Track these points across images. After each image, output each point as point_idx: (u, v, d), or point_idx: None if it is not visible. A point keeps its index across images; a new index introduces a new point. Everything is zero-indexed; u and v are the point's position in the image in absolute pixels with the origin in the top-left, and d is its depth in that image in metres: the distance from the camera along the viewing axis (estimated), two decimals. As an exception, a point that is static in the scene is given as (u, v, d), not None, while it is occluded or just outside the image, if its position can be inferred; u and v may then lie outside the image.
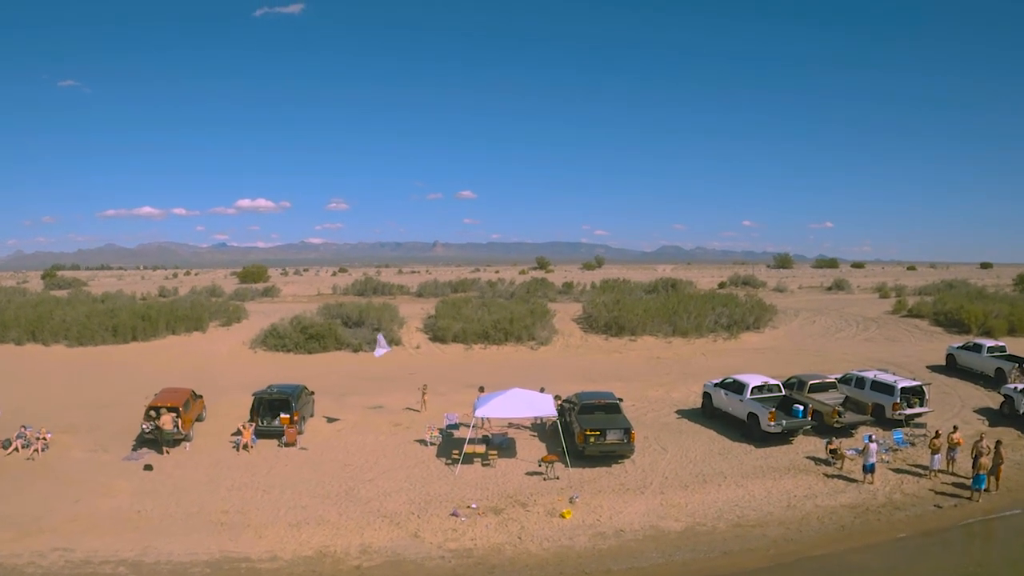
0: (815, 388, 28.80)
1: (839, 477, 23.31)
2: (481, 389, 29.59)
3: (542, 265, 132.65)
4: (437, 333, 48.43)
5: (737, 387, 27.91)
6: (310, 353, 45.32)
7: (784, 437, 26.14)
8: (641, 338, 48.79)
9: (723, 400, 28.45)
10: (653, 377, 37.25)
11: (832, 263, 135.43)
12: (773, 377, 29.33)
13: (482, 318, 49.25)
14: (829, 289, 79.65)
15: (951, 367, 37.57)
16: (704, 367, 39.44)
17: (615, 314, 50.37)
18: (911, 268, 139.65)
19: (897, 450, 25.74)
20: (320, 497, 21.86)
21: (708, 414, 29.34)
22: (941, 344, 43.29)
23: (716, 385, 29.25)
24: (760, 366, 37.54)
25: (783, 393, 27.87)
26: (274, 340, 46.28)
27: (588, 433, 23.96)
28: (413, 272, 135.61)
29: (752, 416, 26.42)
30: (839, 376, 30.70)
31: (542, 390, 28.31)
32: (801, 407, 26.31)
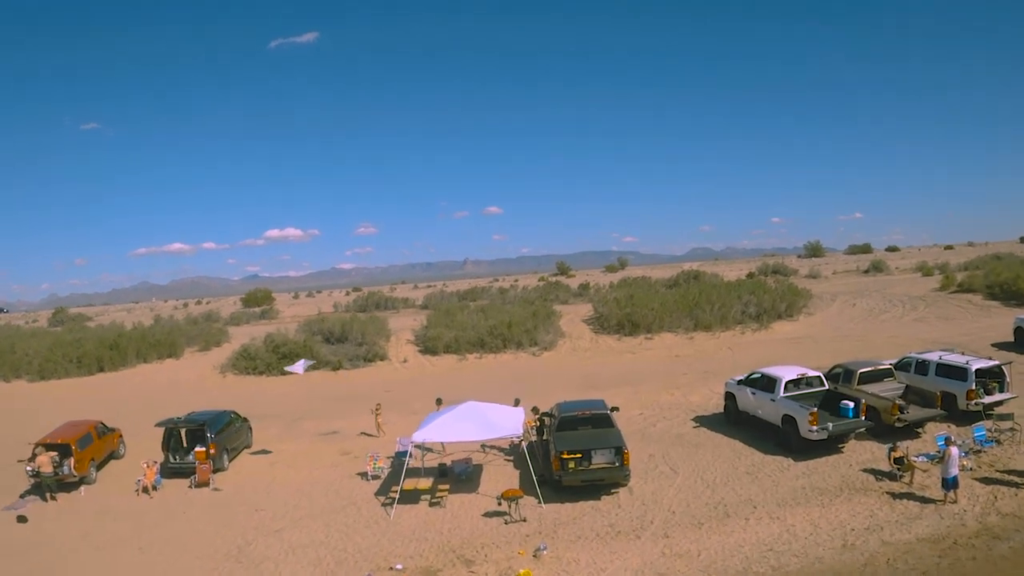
0: (867, 378, 22.21)
1: (910, 496, 16.86)
2: (439, 402, 23.95)
3: (563, 271, 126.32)
4: (428, 344, 42.94)
5: (767, 383, 21.65)
6: (284, 374, 40.12)
7: (831, 444, 19.81)
8: (659, 336, 42.80)
9: (750, 401, 22.21)
10: (669, 378, 31.25)
11: (865, 248, 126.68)
12: (812, 368, 23.24)
13: (477, 324, 43.59)
14: (866, 272, 72.38)
15: (1022, 342, 31.33)
16: (729, 363, 33.38)
17: (628, 311, 44.41)
18: (948, 248, 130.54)
19: (981, 451, 19.31)
20: (204, 558, 16.25)
21: (733, 420, 23.15)
22: (1002, 319, 37.21)
23: (741, 383, 22.99)
24: (795, 357, 31.49)
25: (826, 387, 21.58)
26: (245, 362, 41.15)
27: (565, 456, 17.80)
28: (429, 287, 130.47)
29: (788, 420, 20.13)
30: (895, 361, 24.17)
31: (516, 402, 22.55)
32: (851, 403, 20.03)
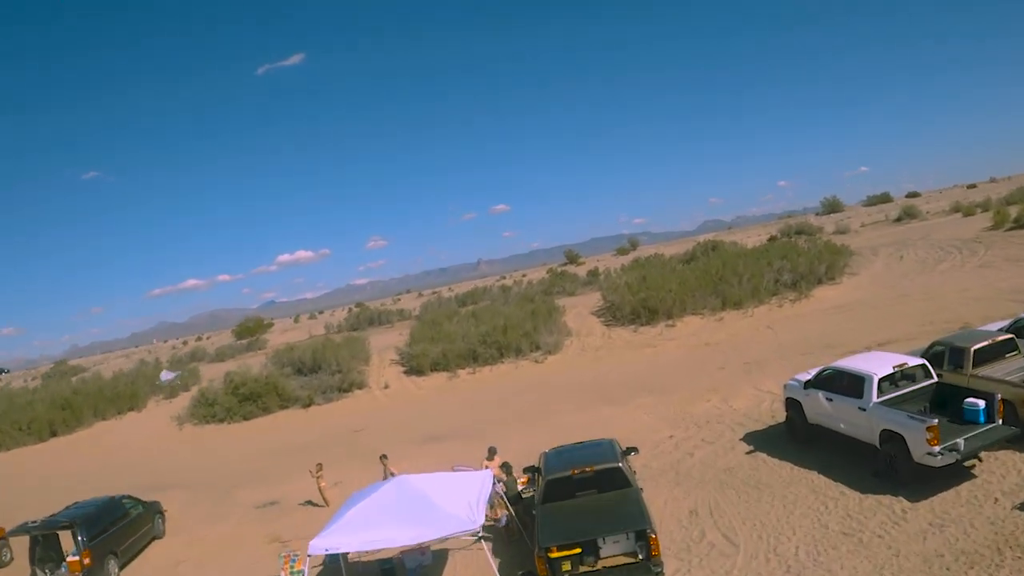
0: (984, 355, 15.06)
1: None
2: (383, 461, 17.58)
3: (572, 259, 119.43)
4: (413, 363, 36.61)
5: (850, 384, 14.68)
6: (247, 419, 33.95)
7: (959, 468, 13.18)
8: (681, 320, 36.11)
9: (825, 410, 15.33)
10: (702, 376, 24.72)
11: (885, 198, 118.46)
12: (902, 352, 16.60)
13: (467, 333, 37.17)
14: (898, 220, 64.99)
15: None
16: (773, 347, 26.88)
17: (642, 296, 37.79)
18: (971, 187, 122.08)
19: None
20: None
21: (801, 437, 16.22)
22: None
23: (809, 385, 15.97)
24: (855, 330, 25.08)
25: (934, 379, 14.73)
26: (204, 409, 35.00)
27: (556, 556, 11.09)
28: (434, 293, 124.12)
29: (892, 438, 13.33)
30: (1008, 324, 17.45)
31: (491, 454, 16.11)
32: (980, 402, 13.33)
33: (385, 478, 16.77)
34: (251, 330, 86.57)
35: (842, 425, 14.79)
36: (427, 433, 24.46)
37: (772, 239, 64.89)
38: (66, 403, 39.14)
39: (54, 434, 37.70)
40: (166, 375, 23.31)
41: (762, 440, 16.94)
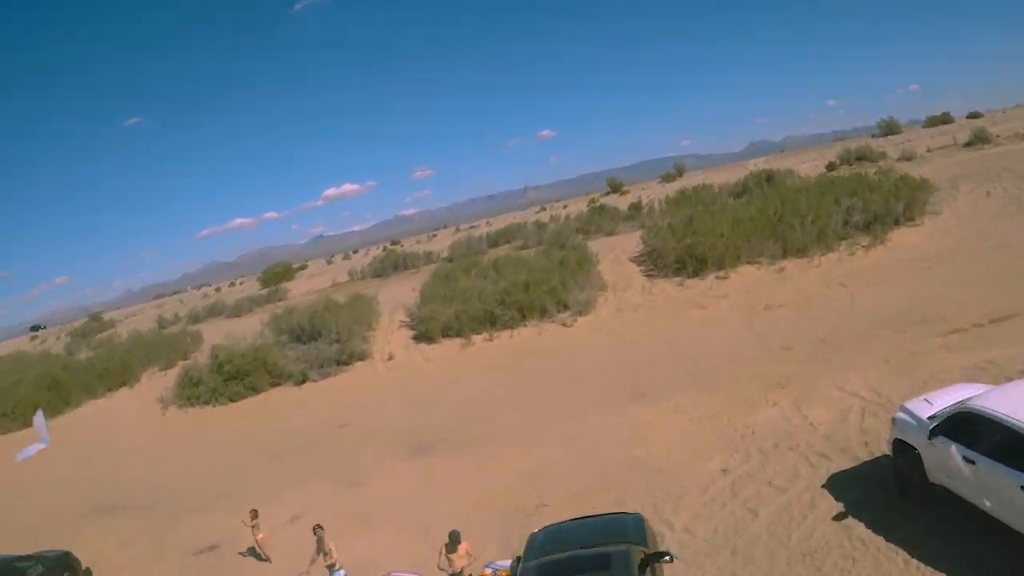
0: None
1: None
2: (317, 531, 12.95)
3: (614, 188, 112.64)
4: (423, 328, 31.99)
5: (1010, 444, 9.06)
6: (233, 401, 29.87)
7: None
8: (735, 271, 30.55)
9: (959, 472, 9.81)
10: (762, 359, 19.54)
11: (945, 118, 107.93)
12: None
13: (484, 291, 32.23)
14: (968, 145, 57.24)
15: None
16: (853, 316, 21.47)
17: (688, 241, 32.34)
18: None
19: None
20: None
21: (917, 497, 10.82)
22: None
23: (937, 430, 10.19)
24: (955, 295, 19.73)
25: None
26: (188, 390, 31.02)
27: None
28: (472, 228, 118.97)
29: None
30: None
31: (452, 542, 11.25)
32: None
33: (318, 555, 12.32)
34: (279, 275, 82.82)
35: (989, 503, 9.35)
36: (417, 438, 19.84)
37: (831, 167, 58.04)
38: (53, 383, 35.59)
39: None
40: (31, 449, 19.78)
41: (856, 492, 11.67)
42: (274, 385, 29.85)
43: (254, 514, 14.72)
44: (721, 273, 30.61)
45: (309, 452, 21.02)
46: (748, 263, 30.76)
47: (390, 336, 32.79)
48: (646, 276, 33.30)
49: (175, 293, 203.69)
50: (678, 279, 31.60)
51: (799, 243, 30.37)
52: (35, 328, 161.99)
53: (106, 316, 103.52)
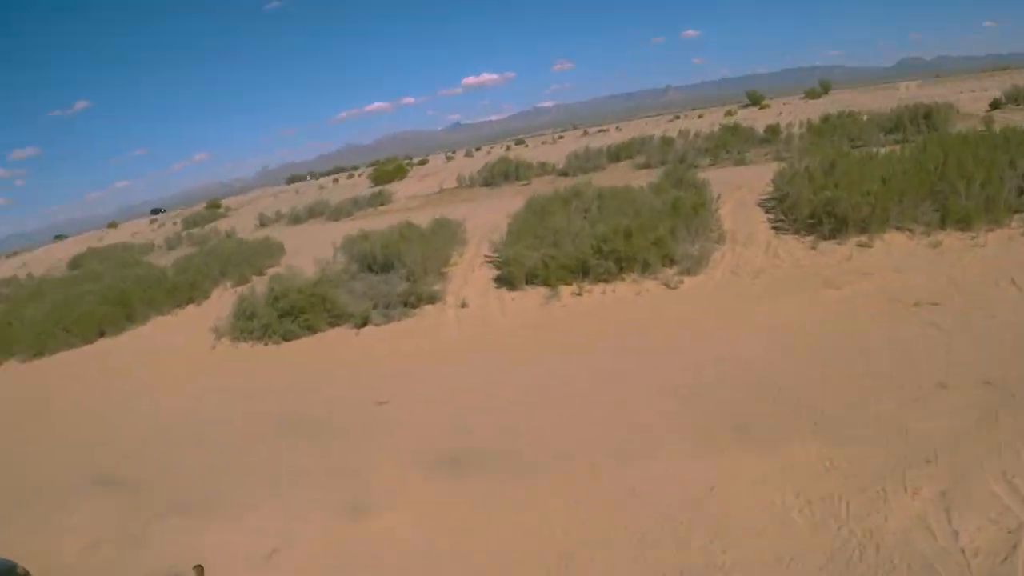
0: None
1: None
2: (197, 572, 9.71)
3: (754, 100, 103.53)
4: (506, 271, 28.32)
5: None
6: (286, 340, 27.22)
7: None
8: (881, 238, 24.73)
9: None
10: (905, 405, 14.17)
11: None
12: None
13: (581, 233, 28.02)
14: None
15: None
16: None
17: (828, 194, 26.87)
18: None
19: None
20: None
21: None
22: None
23: None
24: None
25: None
26: (243, 323, 28.65)
27: None
28: (601, 131, 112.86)
29: None
30: None
31: None
32: None
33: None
34: (390, 174, 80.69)
35: None
36: (458, 443, 16.05)
37: (995, 105, 49.25)
38: (119, 297, 34.08)
39: (103, 334, 32.62)
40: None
41: None
42: (332, 325, 27.04)
43: (199, 570, 11.70)
44: (864, 239, 25.11)
45: (325, 436, 17.65)
46: (898, 229, 25.19)
47: (470, 275, 29.30)
48: (773, 229, 28.12)
49: (309, 175, 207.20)
50: (811, 239, 26.25)
51: (962, 211, 24.22)
52: (155, 211, 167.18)
53: (224, 203, 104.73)
